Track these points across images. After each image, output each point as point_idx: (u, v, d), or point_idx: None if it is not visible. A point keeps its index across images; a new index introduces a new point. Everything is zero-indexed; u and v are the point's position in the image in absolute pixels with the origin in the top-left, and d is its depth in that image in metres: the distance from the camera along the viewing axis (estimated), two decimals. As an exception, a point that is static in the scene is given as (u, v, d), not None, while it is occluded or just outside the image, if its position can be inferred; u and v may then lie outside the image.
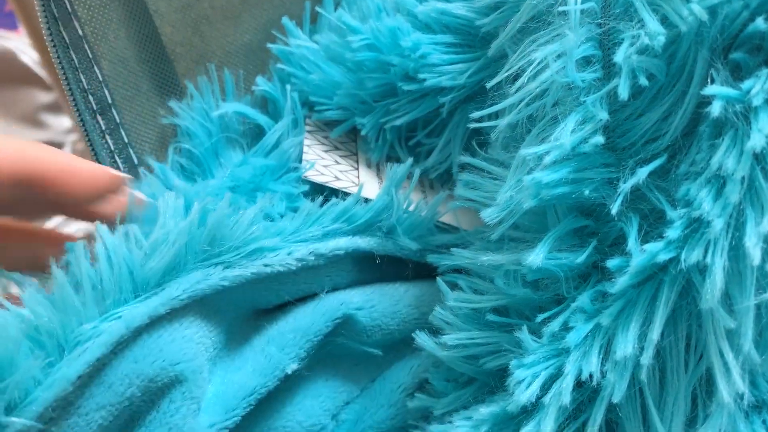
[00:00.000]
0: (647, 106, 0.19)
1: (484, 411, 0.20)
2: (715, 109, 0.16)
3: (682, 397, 0.19)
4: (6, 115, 0.45)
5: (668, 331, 0.19)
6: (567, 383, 0.18)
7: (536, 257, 0.19)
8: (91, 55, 0.22)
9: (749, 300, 0.17)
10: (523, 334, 0.19)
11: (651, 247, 0.17)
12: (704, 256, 0.16)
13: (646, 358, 0.18)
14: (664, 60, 0.18)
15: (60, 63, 0.21)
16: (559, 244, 0.20)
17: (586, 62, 0.20)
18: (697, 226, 0.17)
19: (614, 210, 0.18)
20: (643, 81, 0.18)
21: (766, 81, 0.16)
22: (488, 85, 0.22)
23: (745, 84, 0.16)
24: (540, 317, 0.19)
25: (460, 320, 0.22)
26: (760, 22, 0.16)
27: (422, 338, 0.23)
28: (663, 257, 0.17)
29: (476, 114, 0.21)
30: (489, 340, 0.21)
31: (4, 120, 0.46)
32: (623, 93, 0.18)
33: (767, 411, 0.20)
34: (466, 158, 0.22)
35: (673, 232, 0.17)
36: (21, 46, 0.52)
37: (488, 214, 0.20)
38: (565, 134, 0.19)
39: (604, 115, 0.19)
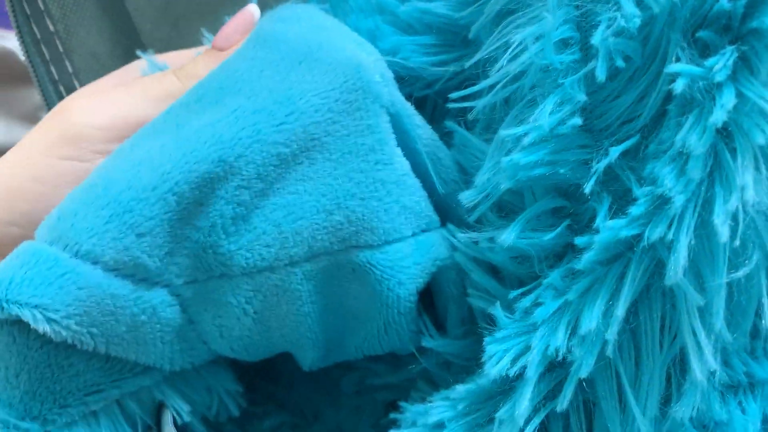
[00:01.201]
0: (624, 87, 0.19)
1: (461, 389, 0.21)
2: (678, 85, 0.16)
3: (657, 376, 0.19)
4: (7, 115, 0.47)
5: (643, 311, 0.19)
6: (533, 358, 0.18)
7: (509, 235, 0.19)
8: (62, 50, 0.24)
9: (720, 278, 0.17)
10: (496, 310, 0.20)
11: (613, 223, 0.17)
12: (667, 233, 0.16)
13: (611, 334, 0.18)
14: (639, 41, 0.19)
15: (29, 58, 0.23)
16: (534, 224, 0.20)
17: (564, 44, 0.20)
18: (660, 203, 0.17)
19: (587, 189, 0.18)
20: (620, 63, 0.18)
21: (730, 57, 0.16)
22: (466, 64, 0.22)
23: (709, 61, 0.16)
24: (513, 293, 0.20)
25: None
26: (724, 2, 0.16)
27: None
28: (626, 233, 0.17)
29: (456, 94, 0.22)
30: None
31: (5, 119, 0.48)
32: (600, 75, 0.18)
33: (743, 392, 0.20)
34: (451, 124, 0.23)
35: (636, 209, 0.17)
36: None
37: (466, 197, 0.21)
38: (544, 116, 0.19)
39: (582, 97, 0.19)
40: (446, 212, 0.23)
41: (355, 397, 0.29)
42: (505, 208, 0.22)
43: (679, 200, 0.16)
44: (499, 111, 0.22)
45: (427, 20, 0.26)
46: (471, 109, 0.23)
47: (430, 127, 0.24)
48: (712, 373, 0.18)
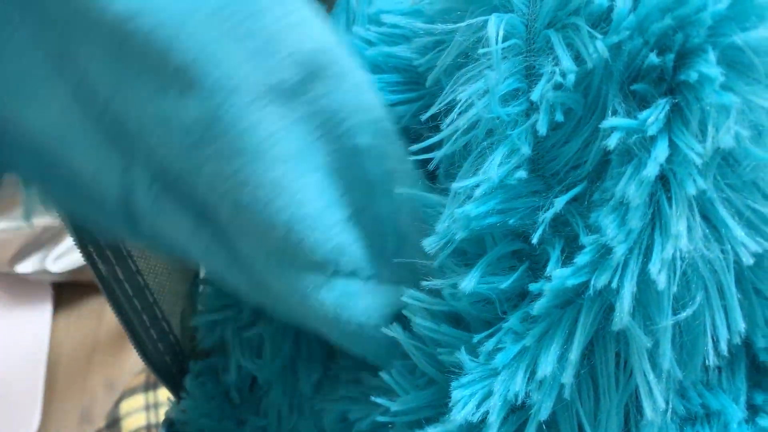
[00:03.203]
0: (570, 134, 0.20)
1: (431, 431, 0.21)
2: (612, 140, 0.17)
3: (614, 413, 0.20)
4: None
5: (599, 351, 0.20)
6: (495, 403, 0.19)
7: (469, 282, 0.20)
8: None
9: (666, 320, 0.18)
10: (461, 354, 0.20)
11: (561, 272, 0.18)
12: (611, 281, 0.17)
13: (567, 378, 0.18)
14: (580, 93, 0.19)
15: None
16: (494, 268, 0.21)
17: (511, 96, 0.21)
18: (604, 252, 0.17)
19: (534, 239, 0.19)
20: (559, 117, 0.19)
21: (663, 109, 0.17)
22: (422, 117, 0.23)
23: (643, 113, 0.17)
24: (477, 337, 0.20)
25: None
26: (653, 57, 0.17)
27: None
28: (572, 281, 0.18)
29: (414, 147, 0.23)
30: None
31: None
32: (541, 129, 0.19)
33: (700, 423, 0.20)
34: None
35: (582, 258, 0.18)
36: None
37: (428, 243, 0.21)
38: (493, 168, 0.20)
39: (526, 150, 0.19)
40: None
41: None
42: (467, 254, 0.22)
43: (620, 250, 0.17)
44: (458, 158, 0.22)
45: (392, 63, 0.27)
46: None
47: None
48: (666, 411, 0.19)
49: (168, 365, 0.29)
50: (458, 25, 0.21)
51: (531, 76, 0.21)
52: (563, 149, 0.20)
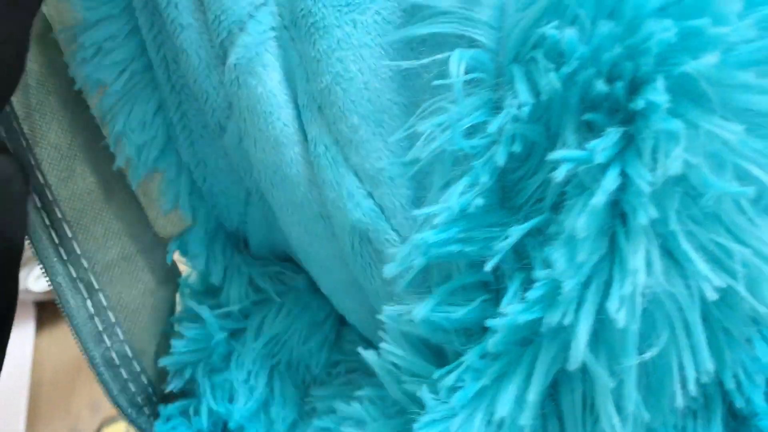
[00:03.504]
0: (537, 166, 0.20)
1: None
2: (560, 173, 0.17)
3: (582, 457, 0.19)
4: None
5: (564, 392, 0.19)
6: (451, 446, 0.18)
7: (421, 310, 0.19)
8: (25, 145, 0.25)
9: (630, 360, 0.17)
10: (423, 392, 0.20)
11: (513, 308, 0.17)
12: (563, 318, 0.16)
13: (525, 419, 0.18)
14: (542, 124, 0.19)
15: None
16: (456, 298, 0.20)
17: (477, 129, 0.20)
18: (556, 288, 0.17)
19: (487, 268, 0.18)
20: (517, 148, 0.19)
21: (612, 139, 0.16)
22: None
23: (592, 143, 0.17)
24: (437, 373, 0.20)
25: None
26: (602, 86, 0.17)
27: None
28: (524, 318, 0.17)
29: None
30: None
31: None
32: (500, 159, 0.19)
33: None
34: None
35: (533, 293, 0.17)
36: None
37: (387, 270, 0.21)
38: (454, 197, 0.20)
39: (486, 180, 0.19)
40: None
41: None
42: (432, 282, 0.22)
43: (568, 285, 0.16)
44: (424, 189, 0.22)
45: None
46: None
47: None
48: None
49: (139, 407, 0.28)
50: (422, 61, 0.21)
51: (499, 109, 0.21)
52: (530, 181, 0.20)
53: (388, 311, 0.21)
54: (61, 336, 0.58)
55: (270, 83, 0.24)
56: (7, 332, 0.23)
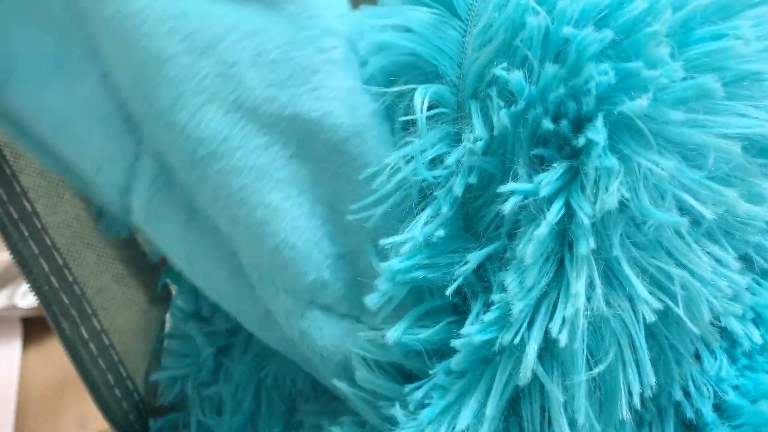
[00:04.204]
0: (494, 195, 0.21)
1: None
2: (508, 205, 0.18)
3: (542, 468, 0.20)
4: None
5: (525, 405, 0.20)
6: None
7: (394, 333, 0.21)
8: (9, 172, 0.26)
9: (580, 376, 0.18)
10: (396, 410, 0.21)
11: (470, 329, 0.19)
12: (515, 338, 0.18)
13: (484, 432, 0.19)
14: (498, 157, 0.20)
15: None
16: (426, 321, 0.21)
17: (439, 160, 0.22)
18: (509, 310, 0.18)
19: (448, 292, 0.20)
20: (473, 179, 0.20)
21: (557, 173, 0.18)
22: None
23: (539, 177, 0.18)
24: (407, 388, 0.21)
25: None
26: (548, 124, 0.18)
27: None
28: (480, 338, 0.18)
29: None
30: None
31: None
32: (457, 189, 0.20)
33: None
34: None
35: (489, 315, 0.18)
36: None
37: (369, 301, 0.22)
38: (418, 227, 0.21)
39: (447, 210, 0.21)
40: None
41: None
42: (405, 308, 0.23)
43: (517, 307, 0.18)
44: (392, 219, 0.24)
45: None
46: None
47: None
48: None
49: (132, 423, 0.30)
50: (388, 90, 0.22)
51: (459, 141, 0.22)
52: (489, 209, 0.21)
53: (361, 339, 0.22)
54: (48, 352, 0.58)
55: None
56: None
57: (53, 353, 0.58)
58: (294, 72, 0.23)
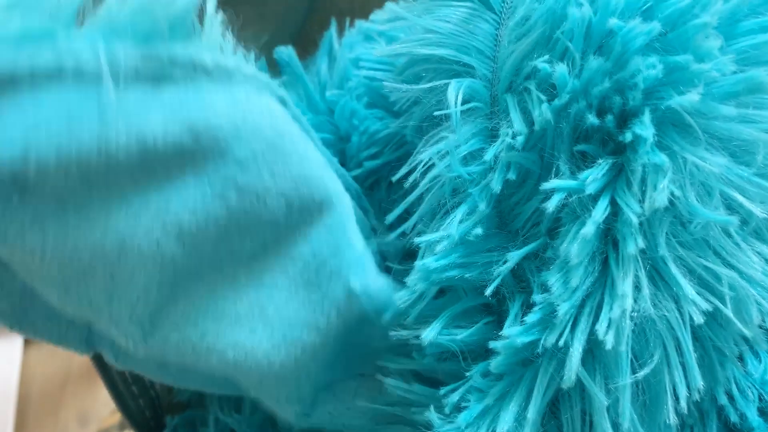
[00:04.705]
0: (531, 192, 0.20)
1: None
2: (552, 202, 0.17)
3: (582, 473, 0.19)
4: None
5: (564, 409, 0.20)
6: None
7: (429, 333, 0.20)
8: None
9: (624, 379, 0.18)
10: (430, 413, 0.21)
11: (512, 330, 0.18)
12: (559, 340, 0.17)
13: (525, 437, 0.18)
14: (536, 153, 0.20)
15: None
16: (460, 321, 0.21)
17: (477, 155, 0.21)
18: (553, 311, 0.18)
19: (487, 292, 0.19)
20: (512, 175, 0.19)
21: (602, 169, 0.17)
22: (393, 179, 0.23)
23: (584, 174, 0.17)
24: (442, 390, 0.21)
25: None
26: (593, 119, 0.18)
27: None
28: (522, 340, 0.18)
29: (389, 218, 0.23)
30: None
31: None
32: (496, 186, 0.20)
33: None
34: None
35: (532, 316, 0.18)
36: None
37: (399, 297, 0.22)
38: (454, 225, 0.20)
39: (484, 207, 0.20)
40: None
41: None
42: (439, 308, 0.23)
43: (563, 308, 0.17)
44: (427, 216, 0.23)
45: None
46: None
47: None
48: None
49: (147, 420, 0.29)
50: (421, 86, 0.22)
51: (494, 137, 0.21)
52: (525, 206, 0.21)
53: (394, 336, 0.22)
54: (50, 349, 0.57)
55: None
56: None
57: (54, 350, 0.57)
58: None
